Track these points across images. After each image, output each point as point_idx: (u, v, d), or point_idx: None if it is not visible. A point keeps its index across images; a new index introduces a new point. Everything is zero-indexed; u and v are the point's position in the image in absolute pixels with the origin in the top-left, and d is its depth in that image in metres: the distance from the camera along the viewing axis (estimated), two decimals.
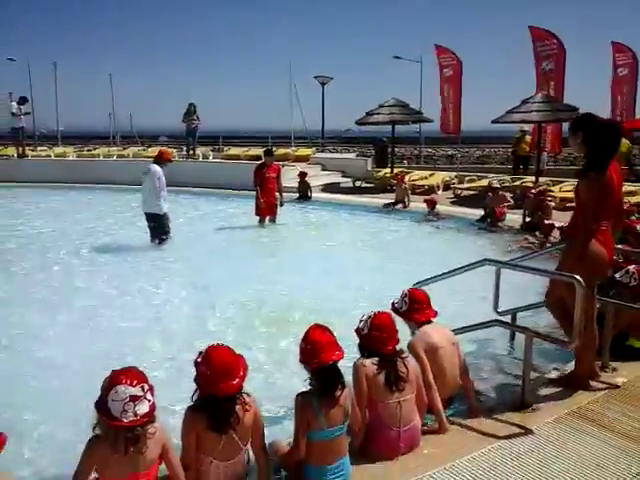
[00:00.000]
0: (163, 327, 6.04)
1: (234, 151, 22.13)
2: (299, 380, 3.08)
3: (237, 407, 2.70)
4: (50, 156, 21.68)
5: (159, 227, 9.64)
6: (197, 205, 14.48)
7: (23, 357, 5.24)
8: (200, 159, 19.36)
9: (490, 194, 11.53)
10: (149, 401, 2.44)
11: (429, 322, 3.84)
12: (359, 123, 17.50)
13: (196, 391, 2.72)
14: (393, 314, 3.63)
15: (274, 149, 16.99)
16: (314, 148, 23.73)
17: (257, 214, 11.57)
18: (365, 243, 10.39)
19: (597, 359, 4.27)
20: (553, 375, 4.27)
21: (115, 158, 21.06)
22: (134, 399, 2.39)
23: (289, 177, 15.26)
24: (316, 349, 2.91)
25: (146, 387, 2.46)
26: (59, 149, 23.30)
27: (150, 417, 2.45)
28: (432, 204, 12.28)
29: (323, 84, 27.01)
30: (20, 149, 19.55)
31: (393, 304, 3.92)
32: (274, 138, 27.19)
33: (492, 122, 14.42)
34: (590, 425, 3.53)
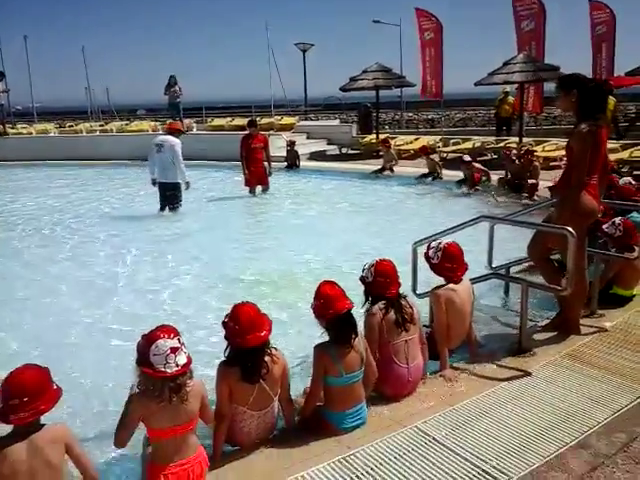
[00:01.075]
0: (170, 295, 6.23)
1: (218, 122, 22.00)
2: (310, 338, 3.31)
3: (266, 359, 2.94)
4: (32, 133, 21.44)
5: (176, 196, 10.03)
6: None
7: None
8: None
9: (462, 167, 11.72)
10: (186, 352, 2.65)
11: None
12: (343, 89, 17.53)
13: (227, 348, 2.95)
14: (426, 256, 3.94)
15: (258, 119, 17.08)
16: (297, 117, 23.70)
17: (246, 185, 11.70)
18: (357, 209, 10.61)
19: (585, 307, 4.57)
20: (546, 322, 4.56)
21: (98, 133, 20.90)
22: (174, 350, 2.58)
23: (276, 146, 15.36)
24: (329, 301, 3.14)
25: (182, 340, 2.67)
26: (40, 126, 23.00)
27: (189, 366, 2.65)
28: (425, 151, 12.70)
29: (304, 51, 26.82)
30: (1, 127, 19.32)
31: (426, 252, 4.06)
32: (255, 108, 27.06)
33: (475, 84, 14.55)
34: (583, 365, 3.82)
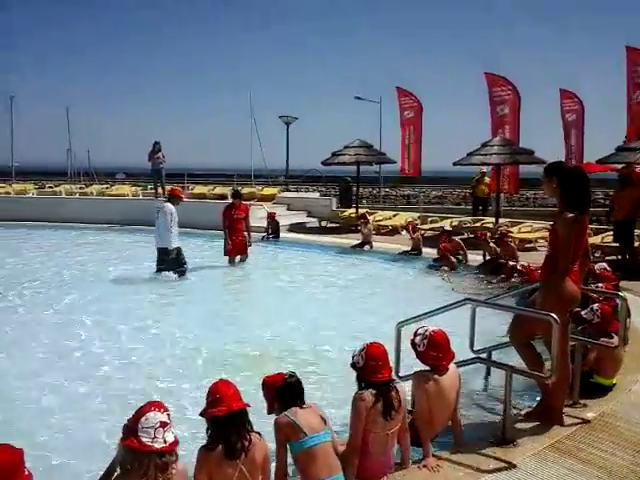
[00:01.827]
0: (137, 372, 5.99)
1: (200, 190, 22.15)
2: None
3: (249, 437, 2.85)
4: (9, 193, 21.27)
5: (171, 261, 10.42)
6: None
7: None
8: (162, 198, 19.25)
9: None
10: (173, 432, 2.59)
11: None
12: (325, 163, 17.88)
13: (207, 430, 2.86)
14: (412, 343, 3.90)
15: (239, 188, 17.25)
16: (279, 188, 24.03)
17: (226, 254, 11.67)
18: (334, 283, 10.56)
19: (568, 396, 4.53)
20: (528, 410, 4.50)
21: (78, 196, 20.81)
22: (163, 425, 2.53)
23: (256, 216, 15.40)
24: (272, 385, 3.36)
25: (171, 416, 2.61)
26: (19, 186, 22.90)
27: (176, 446, 2.57)
28: (413, 227, 12.77)
29: (287, 124, 27.50)
30: None
31: (413, 339, 3.95)
32: (237, 177, 27.43)
33: (454, 164, 14.97)
34: (567, 458, 3.75)
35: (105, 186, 23.42)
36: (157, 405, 2.60)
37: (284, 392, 3.27)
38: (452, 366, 3.95)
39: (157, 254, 10.50)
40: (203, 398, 2.96)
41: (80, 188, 22.63)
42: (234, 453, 2.78)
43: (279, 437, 3.13)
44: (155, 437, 2.48)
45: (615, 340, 4.81)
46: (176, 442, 2.58)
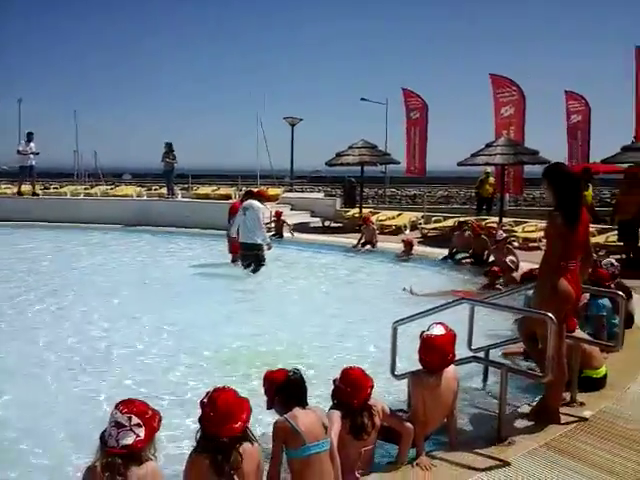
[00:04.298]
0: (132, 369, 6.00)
1: (203, 190, 22.15)
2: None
3: (240, 451, 2.72)
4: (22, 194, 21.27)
5: (258, 256, 10.60)
6: (175, 244, 14.83)
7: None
8: (171, 198, 19.17)
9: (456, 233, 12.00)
10: (136, 436, 2.48)
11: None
12: (329, 164, 17.84)
13: (199, 432, 2.78)
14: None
15: (244, 188, 17.20)
16: (283, 188, 24.02)
17: (230, 252, 11.63)
18: (335, 283, 10.54)
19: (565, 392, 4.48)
20: (525, 409, 4.46)
21: (82, 197, 20.82)
22: (118, 426, 2.47)
23: None
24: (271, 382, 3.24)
25: (135, 420, 2.49)
26: (24, 187, 22.92)
27: (130, 451, 2.47)
28: (409, 245, 12.58)
29: (292, 125, 27.46)
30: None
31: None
32: (242, 178, 27.40)
33: (458, 164, 14.90)
34: (563, 457, 3.71)
35: (110, 187, 23.46)
36: (125, 404, 2.57)
37: (286, 389, 3.16)
38: (450, 367, 3.89)
39: (244, 249, 10.59)
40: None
41: (85, 189, 22.65)
42: (220, 472, 2.67)
43: (277, 441, 3.04)
44: (110, 435, 2.50)
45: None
46: (133, 446, 2.49)
